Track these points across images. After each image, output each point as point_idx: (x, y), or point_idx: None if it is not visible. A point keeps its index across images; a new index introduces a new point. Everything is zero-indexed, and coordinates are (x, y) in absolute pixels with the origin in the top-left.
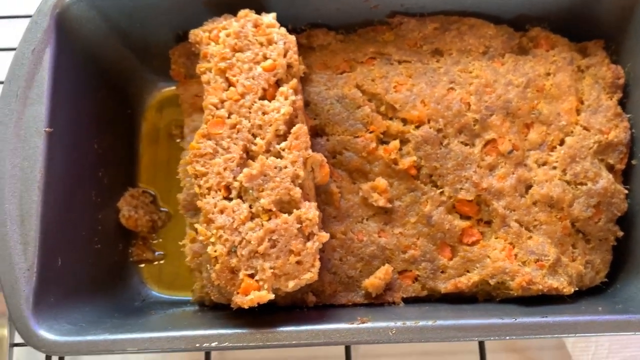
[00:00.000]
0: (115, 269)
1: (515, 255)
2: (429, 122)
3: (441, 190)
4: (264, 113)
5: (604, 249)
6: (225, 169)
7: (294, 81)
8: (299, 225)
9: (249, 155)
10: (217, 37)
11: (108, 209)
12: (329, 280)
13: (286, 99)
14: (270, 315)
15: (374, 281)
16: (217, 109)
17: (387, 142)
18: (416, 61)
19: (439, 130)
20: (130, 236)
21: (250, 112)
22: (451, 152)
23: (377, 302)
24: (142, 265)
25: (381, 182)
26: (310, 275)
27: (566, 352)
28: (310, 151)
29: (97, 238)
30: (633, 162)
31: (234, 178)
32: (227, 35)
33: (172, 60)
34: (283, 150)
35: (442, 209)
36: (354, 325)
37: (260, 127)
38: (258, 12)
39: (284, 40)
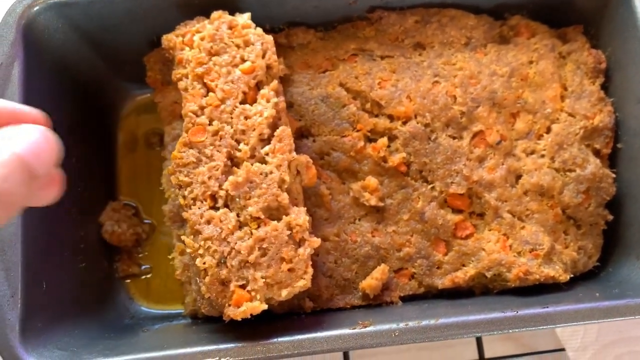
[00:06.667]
0: (101, 286)
1: (510, 246)
2: (415, 117)
3: (432, 185)
4: (246, 117)
5: (595, 233)
6: (210, 177)
7: (275, 82)
8: (289, 232)
9: (233, 162)
10: (191, 41)
11: (90, 225)
12: (325, 284)
13: (268, 101)
14: (267, 325)
15: (371, 282)
16: (197, 116)
17: (374, 140)
18: (399, 56)
19: (426, 125)
20: (114, 251)
21: (232, 118)
22: (440, 147)
23: (375, 303)
24: (129, 280)
25: (371, 181)
26: (303, 283)
27: (557, 337)
28: (294, 154)
29: (81, 257)
30: (618, 145)
31: (220, 187)
32: (202, 39)
33: (148, 67)
34: (267, 154)
35: (434, 204)
36: (357, 330)
37: (243, 132)
38: (232, 13)
39: (261, 40)
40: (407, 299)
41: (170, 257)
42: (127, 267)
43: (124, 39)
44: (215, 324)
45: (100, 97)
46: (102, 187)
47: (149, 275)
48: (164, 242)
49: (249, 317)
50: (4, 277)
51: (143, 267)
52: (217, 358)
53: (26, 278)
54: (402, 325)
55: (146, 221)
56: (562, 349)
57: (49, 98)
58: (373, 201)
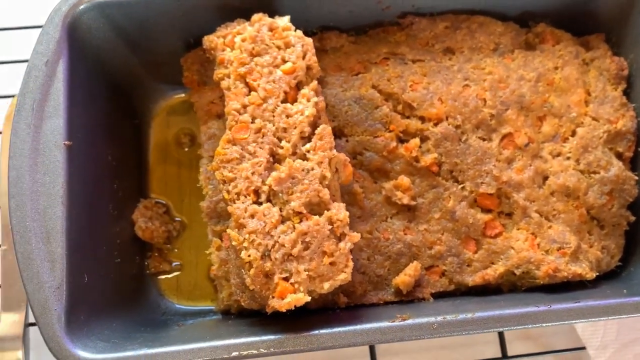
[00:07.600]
0: (134, 282)
1: (538, 244)
2: (447, 119)
3: (462, 185)
4: (287, 116)
5: (617, 234)
6: (253, 173)
7: (314, 83)
8: (330, 227)
9: (275, 159)
10: (232, 42)
11: (123, 222)
12: (359, 280)
13: (308, 100)
14: (304, 319)
15: (404, 278)
16: (240, 114)
17: (406, 141)
18: (429, 60)
19: (457, 127)
20: (145, 248)
21: (274, 116)
22: (470, 148)
23: (407, 299)
24: (159, 277)
25: (404, 180)
26: (344, 276)
27: (577, 336)
28: (334, 151)
29: (116, 252)
30: None
31: (263, 182)
32: (243, 40)
33: (185, 68)
34: (308, 151)
35: (465, 204)
36: (397, 323)
37: (285, 130)
38: (271, 16)
39: (301, 42)
40: (437, 296)
41: (207, 252)
42: (158, 263)
43: (160, 39)
44: (249, 319)
45: (134, 96)
46: (134, 185)
47: (178, 273)
48: (194, 240)
49: (292, 309)
50: (49, 268)
51: (173, 264)
52: (261, 349)
53: (70, 270)
54: (440, 318)
55: (177, 219)
56: (583, 348)
57: (90, 96)
58: (405, 200)
